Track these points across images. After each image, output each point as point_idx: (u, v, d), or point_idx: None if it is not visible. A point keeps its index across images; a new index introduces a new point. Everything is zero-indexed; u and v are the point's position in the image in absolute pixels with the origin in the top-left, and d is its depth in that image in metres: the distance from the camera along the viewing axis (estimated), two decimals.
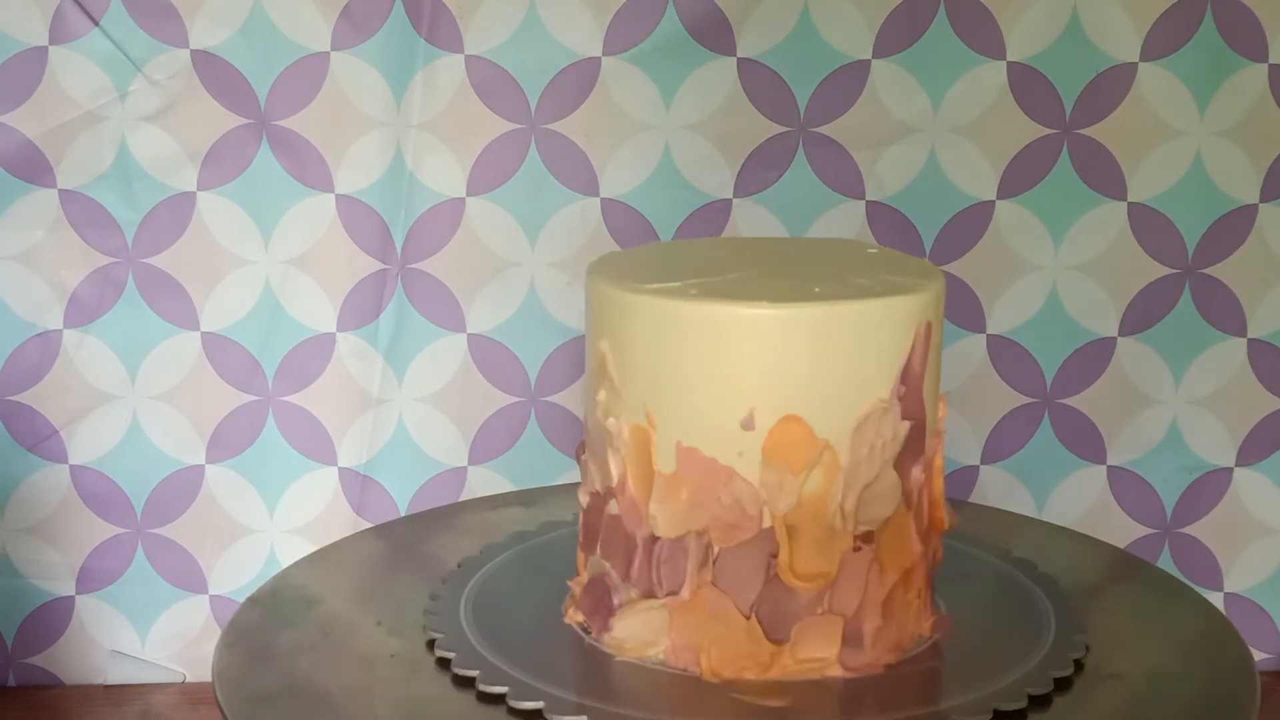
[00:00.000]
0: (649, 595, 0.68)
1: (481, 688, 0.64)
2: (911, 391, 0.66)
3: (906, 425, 0.66)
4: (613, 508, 0.68)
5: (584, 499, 0.71)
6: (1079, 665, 0.67)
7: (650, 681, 0.66)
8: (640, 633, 0.68)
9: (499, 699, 0.64)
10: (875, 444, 0.65)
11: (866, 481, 0.65)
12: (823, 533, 0.65)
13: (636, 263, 0.74)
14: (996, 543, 0.80)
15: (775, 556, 0.65)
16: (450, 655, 0.67)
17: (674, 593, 0.67)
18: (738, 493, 0.65)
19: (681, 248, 0.87)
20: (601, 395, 0.68)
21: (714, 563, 0.66)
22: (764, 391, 0.64)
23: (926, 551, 0.69)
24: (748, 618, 0.66)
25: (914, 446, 0.67)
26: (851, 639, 0.66)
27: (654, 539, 0.67)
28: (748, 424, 0.64)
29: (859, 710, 0.65)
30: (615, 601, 0.69)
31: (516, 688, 0.64)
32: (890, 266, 0.71)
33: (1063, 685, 0.65)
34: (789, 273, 0.71)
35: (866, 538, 0.66)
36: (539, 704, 0.63)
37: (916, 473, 0.67)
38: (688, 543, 0.66)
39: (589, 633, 0.70)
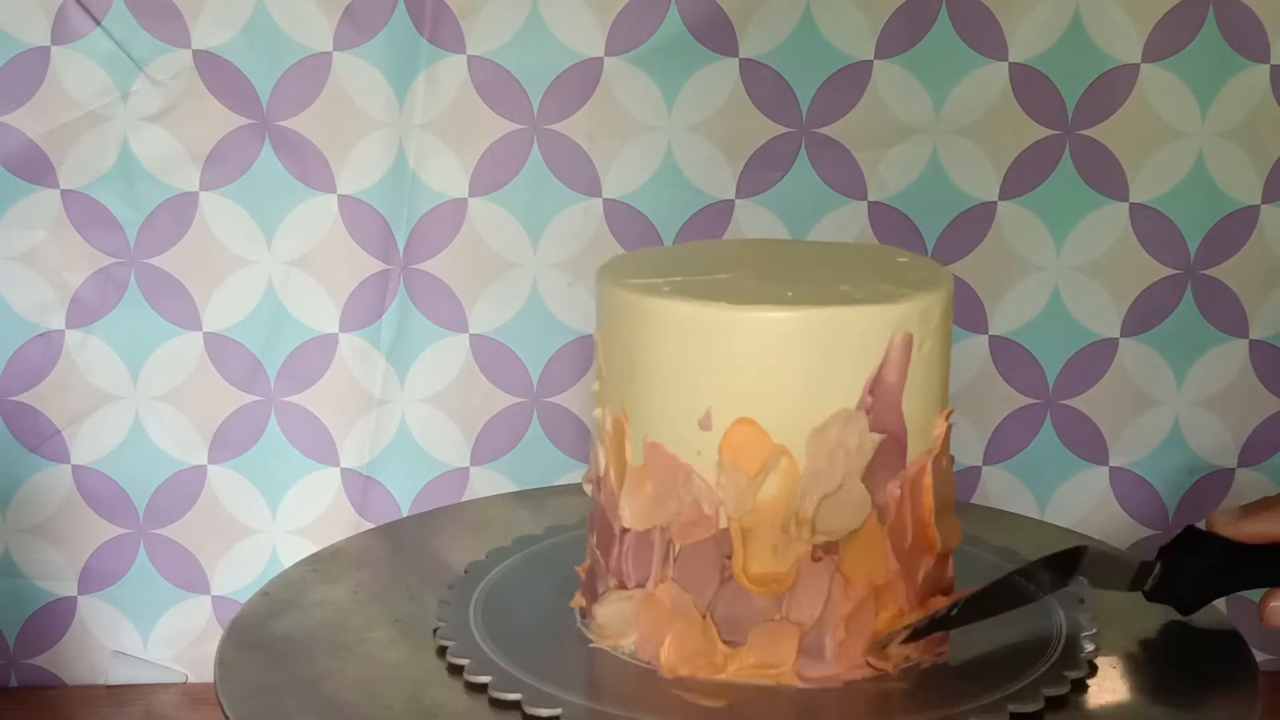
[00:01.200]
0: (621, 586, 0.69)
1: (494, 694, 0.64)
2: (884, 404, 0.65)
3: (877, 438, 0.65)
4: (601, 497, 0.70)
5: (587, 487, 0.73)
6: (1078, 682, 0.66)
7: (653, 686, 0.66)
8: (614, 621, 0.69)
9: (514, 705, 0.64)
10: (836, 453, 0.64)
11: (827, 491, 0.65)
12: (779, 538, 0.65)
13: (646, 260, 0.75)
14: (1001, 544, 0.80)
15: (730, 558, 0.65)
16: (463, 662, 0.67)
17: (640, 585, 0.68)
18: (696, 491, 0.65)
19: (708, 248, 0.87)
20: (595, 386, 0.71)
21: (675, 559, 0.66)
22: (721, 392, 0.65)
23: (909, 571, 0.67)
24: (704, 617, 0.66)
25: (888, 461, 0.66)
26: (811, 649, 0.66)
27: (625, 530, 0.68)
28: (705, 423, 0.65)
29: None
30: (599, 588, 0.70)
31: (530, 694, 0.64)
32: (896, 276, 0.70)
33: (1056, 702, 0.65)
34: (783, 277, 0.71)
35: (829, 548, 0.65)
36: (556, 710, 0.63)
37: (893, 488, 0.66)
38: (653, 536, 0.67)
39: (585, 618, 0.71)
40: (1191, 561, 0.71)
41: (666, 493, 0.66)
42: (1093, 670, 0.67)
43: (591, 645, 0.69)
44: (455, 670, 0.67)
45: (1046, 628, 0.71)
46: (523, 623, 0.72)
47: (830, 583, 0.65)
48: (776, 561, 0.65)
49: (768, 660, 0.66)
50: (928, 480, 0.67)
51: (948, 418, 0.69)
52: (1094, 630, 0.70)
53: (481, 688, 0.65)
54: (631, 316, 0.67)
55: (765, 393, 0.65)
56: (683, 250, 0.86)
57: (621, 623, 0.69)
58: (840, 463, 0.65)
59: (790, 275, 0.71)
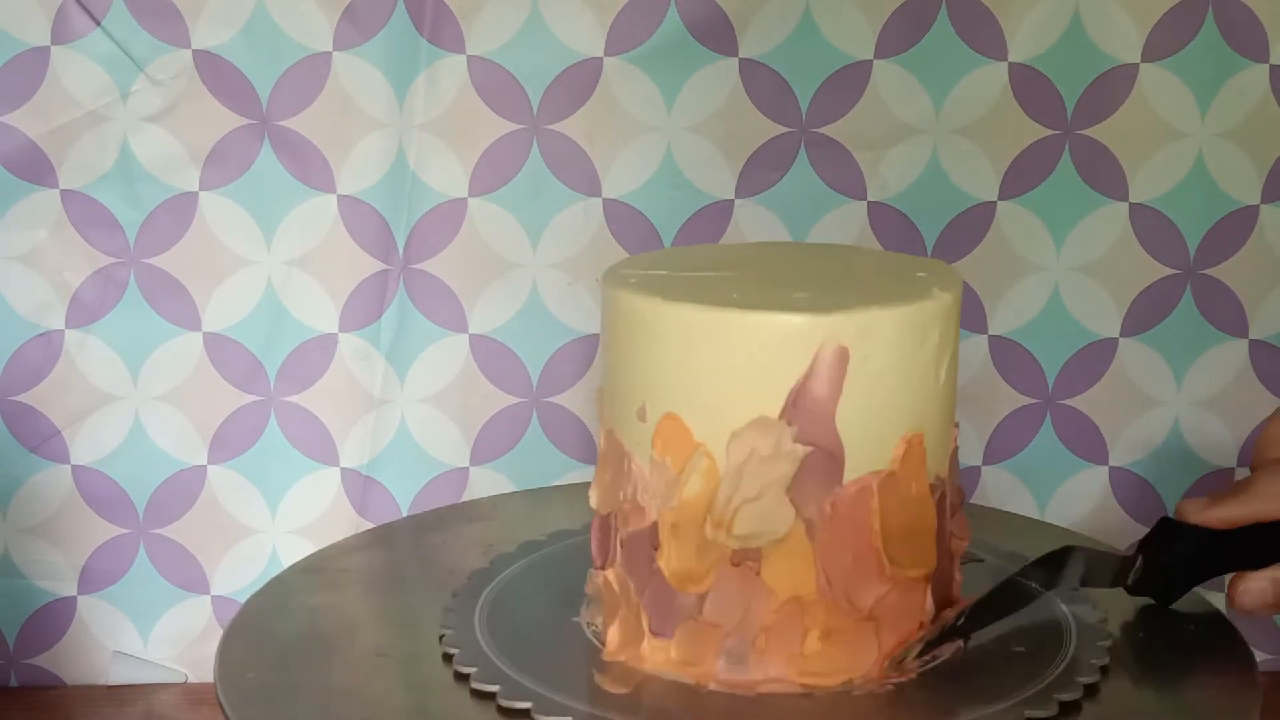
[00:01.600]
0: (597, 565, 0.71)
1: (502, 703, 0.64)
2: (811, 417, 0.63)
3: (803, 451, 0.64)
4: None
5: None
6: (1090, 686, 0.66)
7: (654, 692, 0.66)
8: (593, 599, 0.71)
9: (520, 712, 0.64)
10: (753, 460, 0.64)
11: (747, 496, 0.64)
12: (700, 538, 0.65)
13: (664, 258, 0.77)
14: (1004, 546, 0.80)
15: (658, 551, 0.66)
16: (474, 675, 0.66)
17: (601, 567, 0.70)
18: (635, 481, 0.66)
19: (732, 250, 0.85)
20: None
21: (622, 545, 0.67)
22: (653, 386, 0.66)
23: (854, 591, 0.65)
24: (639, 605, 0.67)
25: (818, 476, 0.64)
26: (732, 654, 0.66)
27: (595, 513, 0.70)
28: (641, 415, 0.66)
29: None
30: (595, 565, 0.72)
31: (538, 703, 0.64)
32: (875, 289, 0.69)
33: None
34: (764, 280, 0.70)
35: (749, 554, 0.65)
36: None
37: (824, 505, 0.64)
38: (611, 521, 0.68)
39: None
40: (1167, 552, 0.71)
41: (617, 480, 0.68)
42: (1104, 674, 0.67)
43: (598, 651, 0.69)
44: (452, 667, 0.67)
45: (1053, 629, 0.71)
46: (528, 628, 0.71)
47: (750, 590, 0.65)
48: (697, 560, 0.65)
49: (689, 658, 0.66)
50: (874, 504, 0.65)
51: (923, 441, 0.66)
52: (1107, 641, 0.69)
53: (490, 695, 0.65)
54: (604, 306, 0.69)
55: (691, 390, 0.65)
56: (709, 250, 0.85)
57: (595, 600, 0.71)
58: (758, 470, 0.64)
59: (769, 280, 0.70)
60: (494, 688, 0.65)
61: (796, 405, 0.63)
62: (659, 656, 0.67)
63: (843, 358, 0.63)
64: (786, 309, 0.64)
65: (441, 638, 0.70)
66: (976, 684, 0.66)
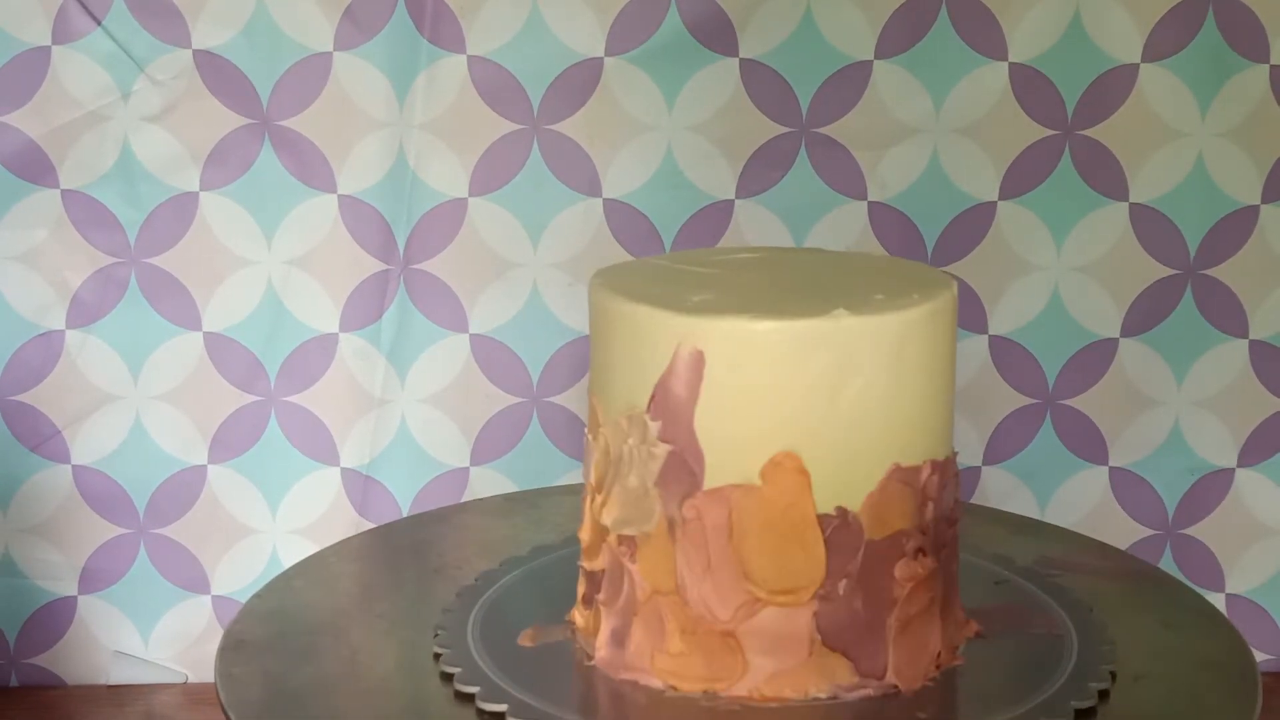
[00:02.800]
0: None
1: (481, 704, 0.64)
2: (673, 416, 0.63)
3: (665, 449, 0.64)
4: None
5: None
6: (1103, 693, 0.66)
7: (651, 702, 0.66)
8: None
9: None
10: (625, 449, 0.65)
11: (625, 485, 0.65)
12: (596, 514, 0.67)
13: (687, 255, 0.78)
14: (999, 551, 0.80)
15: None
16: (472, 691, 0.66)
17: None
18: (586, 449, 0.69)
19: (744, 255, 0.84)
20: None
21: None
22: (592, 371, 0.69)
23: (722, 597, 0.64)
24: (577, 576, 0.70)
25: (678, 477, 0.64)
26: (615, 636, 0.67)
27: None
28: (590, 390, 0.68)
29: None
30: None
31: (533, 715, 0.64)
32: (790, 303, 0.66)
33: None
34: (715, 282, 0.70)
35: (626, 541, 0.66)
36: None
37: (688, 509, 0.64)
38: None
39: None
40: None
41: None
42: (1113, 679, 0.66)
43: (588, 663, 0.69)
44: (448, 675, 0.67)
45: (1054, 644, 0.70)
46: (520, 630, 0.71)
47: (626, 576, 0.66)
48: (591, 537, 0.68)
49: (591, 635, 0.68)
50: (734, 516, 0.63)
51: (801, 464, 0.63)
52: (1111, 646, 0.69)
53: (469, 697, 0.65)
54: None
55: (600, 375, 0.67)
56: (710, 253, 0.85)
57: None
58: (629, 460, 0.65)
59: (733, 281, 0.70)
60: (474, 689, 0.65)
61: (658, 401, 0.64)
62: (581, 623, 0.70)
63: (699, 361, 0.63)
64: (655, 304, 0.64)
65: (436, 635, 0.70)
66: (983, 694, 0.66)
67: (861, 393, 0.63)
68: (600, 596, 0.68)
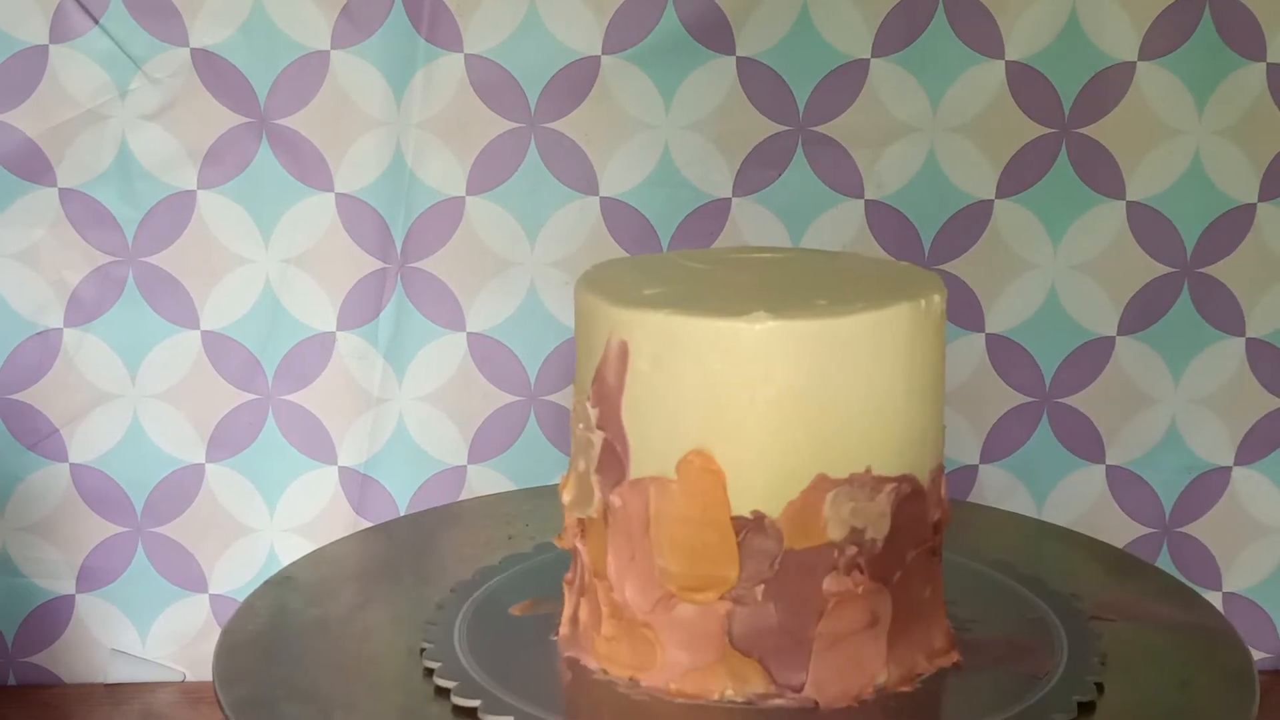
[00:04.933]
0: None
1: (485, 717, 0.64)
2: (605, 405, 0.64)
3: (600, 436, 0.65)
4: None
5: None
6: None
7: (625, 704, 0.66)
8: None
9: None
10: (577, 433, 0.66)
11: (578, 469, 0.67)
12: (560, 494, 0.69)
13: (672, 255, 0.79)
14: (997, 555, 0.79)
15: None
16: (438, 671, 0.66)
17: None
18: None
19: (739, 255, 0.84)
20: None
21: None
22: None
23: (643, 587, 0.65)
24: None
25: (610, 465, 0.64)
26: (572, 616, 0.69)
27: None
28: None
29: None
30: None
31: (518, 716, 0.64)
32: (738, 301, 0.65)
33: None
34: (711, 278, 0.70)
35: (580, 523, 0.67)
36: None
37: (615, 497, 0.64)
38: None
39: None
40: None
41: None
42: (1100, 690, 0.66)
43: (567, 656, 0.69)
44: (428, 673, 0.67)
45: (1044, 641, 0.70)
46: (507, 639, 0.71)
47: (577, 558, 0.68)
48: (564, 518, 0.69)
49: (560, 617, 0.70)
50: (650, 509, 0.64)
51: (714, 463, 0.63)
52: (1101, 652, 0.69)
53: (445, 691, 0.65)
54: None
55: (578, 364, 0.68)
56: (708, 253, 0.85)
57: None
58: (578, 445, 0.66)
59: (710, 277, 0.70)
60: (452, 684, 0.65)
61: (596, 390, 0.65)
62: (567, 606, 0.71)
63: (625, 352, 0.63)
64: (601, 295, 0.65)
65: (422, 651, 0.69)
66: (970, 699, 0.66)
67: (779, 398, 0.62)
68: (567, 575, 0.70)
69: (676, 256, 0.75)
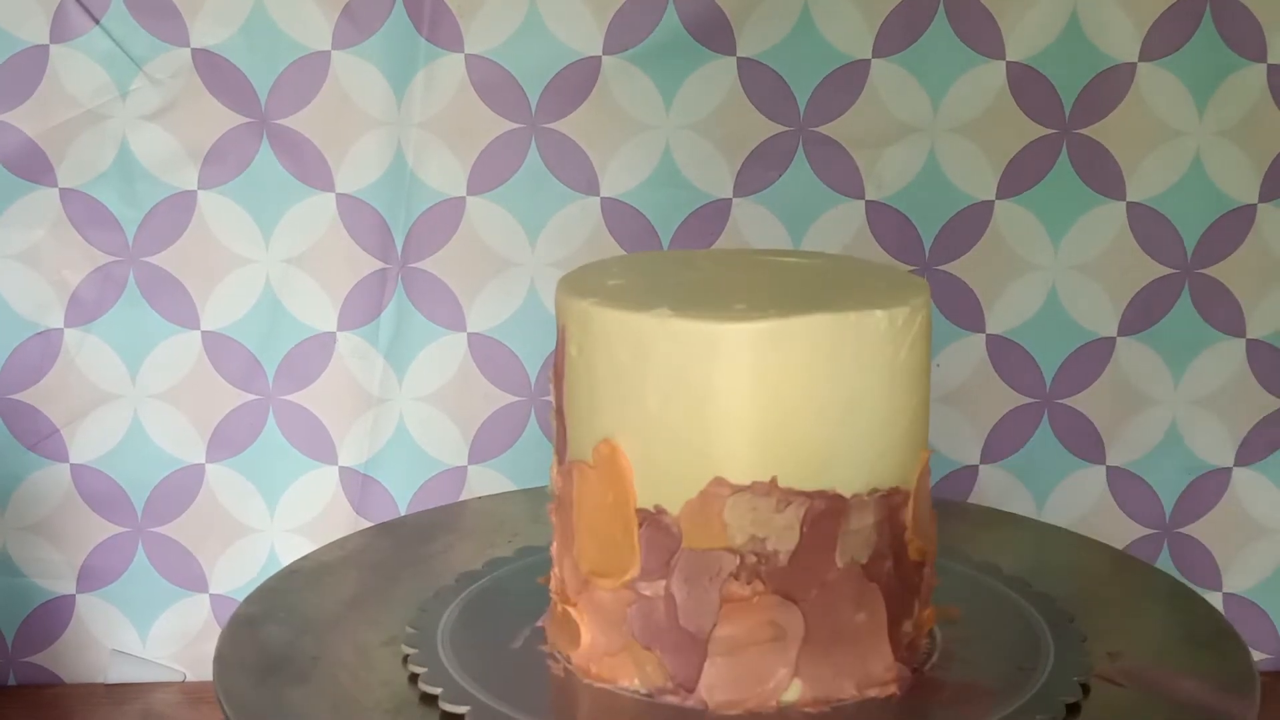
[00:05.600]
0: None
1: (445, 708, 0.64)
2: (555, 390, 0.67)
3: (556, 419, 0.67)
4: None
5: None
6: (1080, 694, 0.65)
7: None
8: None
9: None
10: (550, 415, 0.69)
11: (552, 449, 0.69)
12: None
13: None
14: (986, 558, 0.79)
15: None
16: (423, 677, 0.66)
17: None
18: None
19: (728, 256, 0.84)
20: None
21: None
22: None
23: (564, 564, 0.66)
24: None
25: (560, 445, 0.67)
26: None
27: None
28: None
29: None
30: None
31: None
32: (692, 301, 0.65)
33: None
34: (683, 277, 0.71)
35: (551, 509, 0.69)
36: None
37: (556, 476, 0.67)
38: None
39: None
40: None
41: None
42: (1085, 692, 0.65)
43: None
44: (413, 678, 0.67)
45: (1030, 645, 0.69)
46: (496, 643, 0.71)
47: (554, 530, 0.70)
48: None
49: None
50: (579, 495, 0.65)
51: (618, 453, 0.63)
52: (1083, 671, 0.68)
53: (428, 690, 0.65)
54: None
55: None
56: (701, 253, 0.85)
57: None
58: (549, 427, 0.69)
59: (682, 278, 0.70)
60: (463, 708, 0.64)
61: (554, 373, 0.67)
62: None
63: (563, 338, 0.65)
64: (563, 283, 0.67)
65: (405, 659, 0.69)
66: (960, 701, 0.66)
67: (672, 397, 0.62)
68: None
69: (682, 256, 0.76)
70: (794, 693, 0.63)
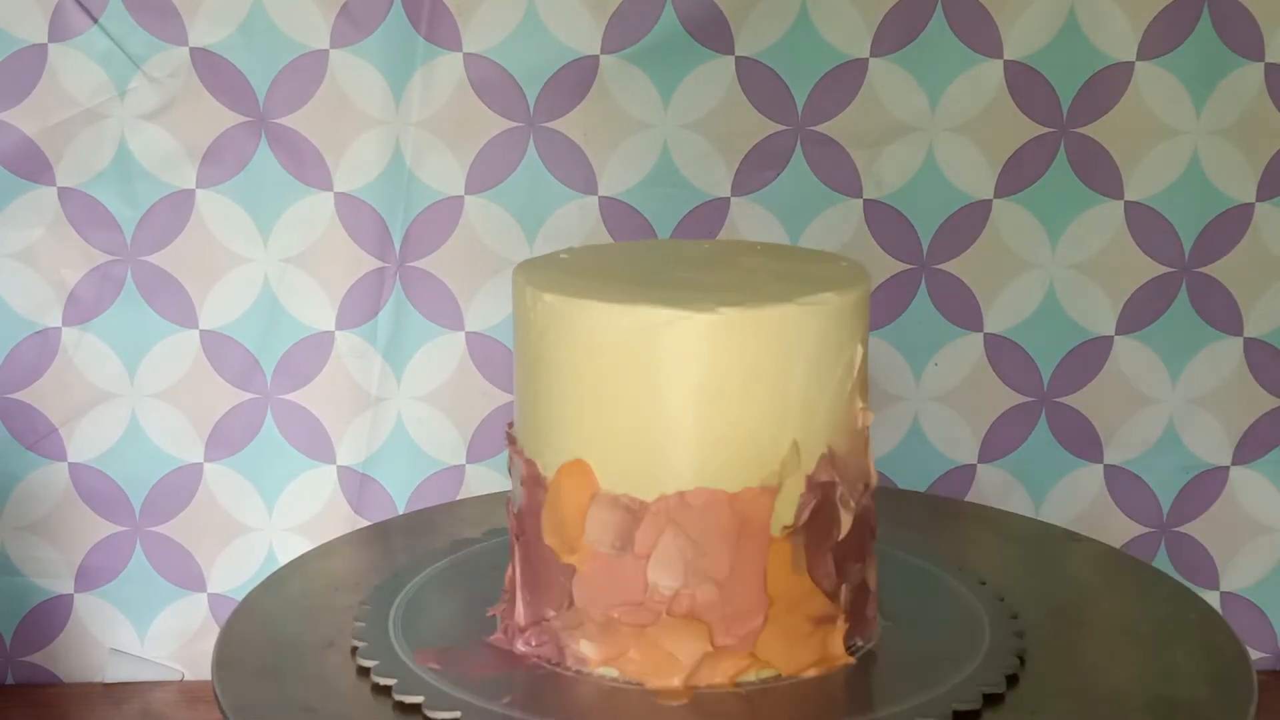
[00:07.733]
0: None
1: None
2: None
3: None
4: None
5: None
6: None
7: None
8: None
9: None
10: None
11: None
12: None
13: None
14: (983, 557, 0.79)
15: None
16: (374, 669, 0.66)
17: None
18: None
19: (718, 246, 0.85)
20: None
21: None
22: None
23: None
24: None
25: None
26: None
27: None
28: None
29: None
30: None
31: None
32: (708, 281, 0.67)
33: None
34: (649, 269, 0.72)
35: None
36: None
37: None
38: None
39: None
40: None
41: None
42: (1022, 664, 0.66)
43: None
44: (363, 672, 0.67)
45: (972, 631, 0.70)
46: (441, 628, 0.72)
47: None
48: None
49: None
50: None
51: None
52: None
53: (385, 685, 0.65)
54: None
55: None
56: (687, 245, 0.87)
57: None
58: None
59: (645, 269, 0.73)
60: (379, 668, 0.66)
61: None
62: None
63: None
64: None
65: (354, 650, 0.69)
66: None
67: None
68: None
69: (664, 247, 0.77)
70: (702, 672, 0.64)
